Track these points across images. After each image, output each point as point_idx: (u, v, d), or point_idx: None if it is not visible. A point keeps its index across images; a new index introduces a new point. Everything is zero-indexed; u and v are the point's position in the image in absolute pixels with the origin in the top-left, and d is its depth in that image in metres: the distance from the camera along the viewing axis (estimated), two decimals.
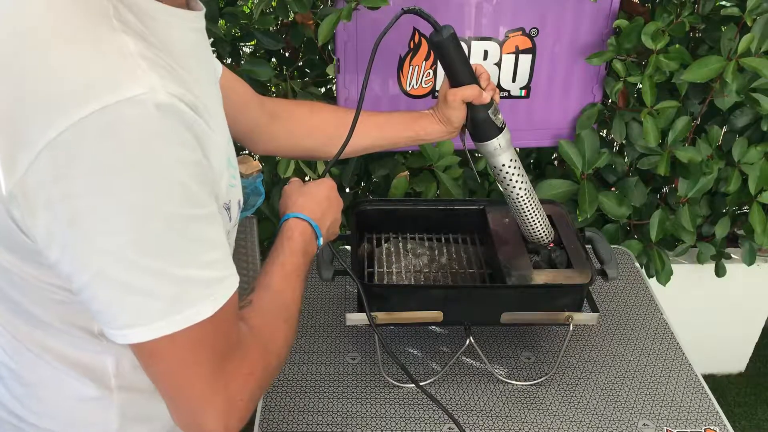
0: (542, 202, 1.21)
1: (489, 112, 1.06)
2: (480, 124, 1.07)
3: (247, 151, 1.71)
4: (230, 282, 0.65)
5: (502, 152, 1.09)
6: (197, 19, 0.70)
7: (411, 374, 1.05)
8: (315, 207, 0.94)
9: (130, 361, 0.73)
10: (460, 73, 1.04)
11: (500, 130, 1.08)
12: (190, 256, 0.61)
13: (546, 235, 1.21)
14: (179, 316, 0.61)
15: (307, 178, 1.70)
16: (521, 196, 1.14)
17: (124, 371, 0.74)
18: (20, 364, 0.74)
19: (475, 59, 1.57)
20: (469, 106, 1.07)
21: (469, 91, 1.04)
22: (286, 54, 1.83)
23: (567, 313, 1.14)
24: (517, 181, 1.12)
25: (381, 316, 1.11)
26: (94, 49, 0.56)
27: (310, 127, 1.13)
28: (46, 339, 0.72)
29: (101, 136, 0.54)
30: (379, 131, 1.14)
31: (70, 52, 0.56)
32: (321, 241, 0.93)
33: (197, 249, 0.61)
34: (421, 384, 1.07)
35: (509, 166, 1.10)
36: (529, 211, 1.16)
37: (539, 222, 1.18)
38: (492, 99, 1.07)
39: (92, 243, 0.57)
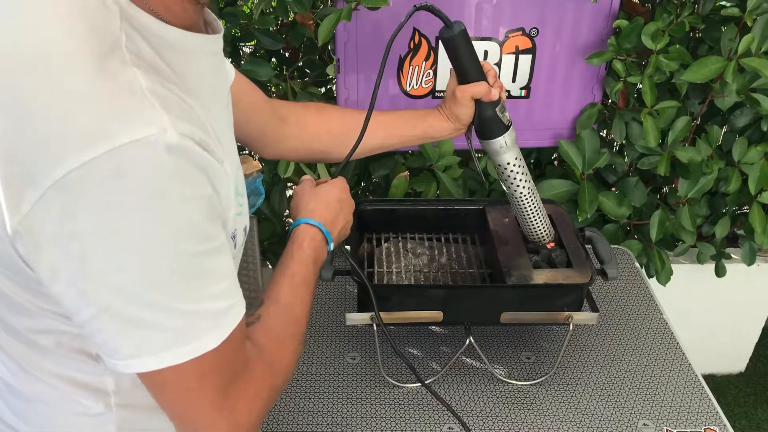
0: (542, 202, 1.21)
1: (496, 109, 1.06)
2: (487, 121, 1.07)
3: (246, 151, 1.71)
4: (237, 310, 0.65)
5: (507, 150, 1.09)
6: (215, 42, 0.69)
7: (417, 373, 1.06)
8: (326, 211, 0.93)
9: (130, 379, 0.72)
10: (470, 69, 1.04)
11: (507, 128, 1.08)
12: (197, 291, 0.61)
13: (547, 235, 1.21)
14: (186, 348, 0.60)
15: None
16: (524, 195, 1.14)
17: (125, 389, 0.73)
18: (19, 380, 0.73)
19: None
20: (477, 103, 1.07)
21: (478, 88, 1.04)
22: (286, 54, 1.83)
23: (567, 313, 1.14)
24: (520, 180, 1.12)
25: (381, 316, 1.11)
26: (104, 86, 0.55)
27: (319, 129, 1.12)
28: (44, 361, 0.71)
29: (110, 176, 0.53)
30: (387, 130, 1.13)
31: (79, 88, 0.54)
32: (332, 246, 0.93)
33: (204, 283, 0.61)
34: (426, 382, 1.07)
35: (514, 165, 1.10)
36: (531, 210, 1.16)
37: (541, 222, 1.18)
38: (499, 96, 1.07)
39: (99, 280, 0.57)
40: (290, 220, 1.97)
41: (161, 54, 0.60)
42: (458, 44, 1.01)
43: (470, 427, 1.12)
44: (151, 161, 0.54)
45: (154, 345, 0.59)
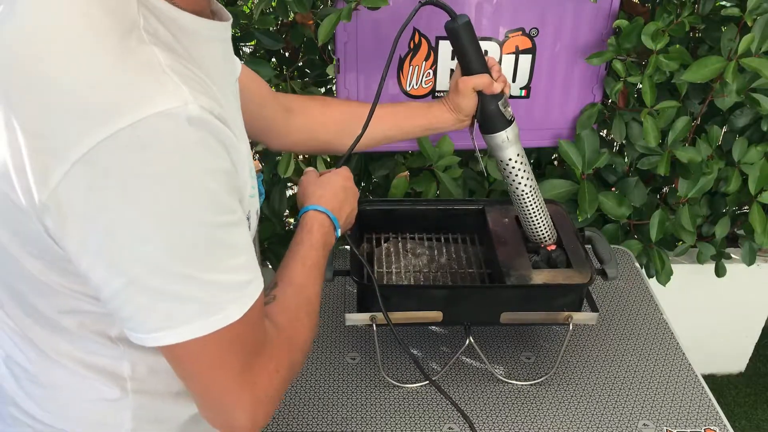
0: None
1: (499, 103, 1.08)
2: (489, 114, 1.09)
3: None
4: (256, 284, 0.67)
5: (509, 146, 1.09)
6: (224, 29, 0.71)
7: (425, 371, 1.06)
8: (332, 198, 0.95)
9: (146, 365, 0.73)
10: (473, 61, 1.06)
11: (509, 122, 1.09)
12: (219, 262, 0.62)
13: (548, 235, 1.21)
14: (209, 319, 0.62)
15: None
16: (526, 193, 1.14)
17: (140, 375, 0.74)
18: (36, 366, 0.75)
19: None
20: (480, 95, 1.08)
21: (480, 80, 1.06)
22: (286, 54, 1.83)
23: (567, 313, 1.14)
24: (522, 177, 1.12)
25: (381, 316, 1.11)
26: (125, 61, 0.56)
27: (325, 120, 1.14)
28: (63, 344, 0.72)
29: (134, 149, 0.54)
30: (392, 121, 1.15)
31: (101, 64, 0.56)
32: (339, 232, 0.94)
33: (226, 255, 0.63)
34: (433, 379, 1.07)
35: (515, 161, 1.11)
36: (532, 208, 1.16)
37: (542, 221, 1.18)
38: (503, 91, 1.08)
39: (126, 252, 0.58)
40: (290, 220, 1.97)
41: (176, 37, 0.62)
42: (462, 35, 1.03)
43: (470, 427, 1.12)
44: (173, 133, 0.56)
45: (179, 317, 0.61)
